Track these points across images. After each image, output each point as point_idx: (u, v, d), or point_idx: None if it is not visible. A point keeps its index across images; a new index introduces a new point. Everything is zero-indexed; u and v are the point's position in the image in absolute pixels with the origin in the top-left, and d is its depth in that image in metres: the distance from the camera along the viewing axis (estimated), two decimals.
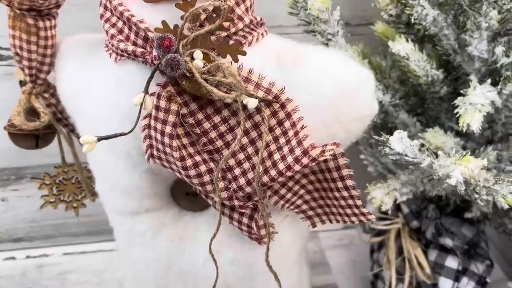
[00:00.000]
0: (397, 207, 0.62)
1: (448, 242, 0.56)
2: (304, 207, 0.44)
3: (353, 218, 0.41)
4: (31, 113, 0.51)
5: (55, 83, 0.50)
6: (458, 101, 0.43)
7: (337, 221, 0.43)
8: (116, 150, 0.43)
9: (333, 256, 0.81)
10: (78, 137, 0.56)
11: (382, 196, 0.44)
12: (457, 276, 0.55)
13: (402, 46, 0.48)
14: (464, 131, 0.39)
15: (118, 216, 0.49)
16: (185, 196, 0.48)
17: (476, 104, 0.40)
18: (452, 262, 0.56)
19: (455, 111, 0.42)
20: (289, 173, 0.37)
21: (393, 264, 0.60)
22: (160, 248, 0.48)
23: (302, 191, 0.42)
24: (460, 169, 0.34)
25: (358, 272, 0.78)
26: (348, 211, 0.41)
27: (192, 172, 0.38)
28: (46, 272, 0.77)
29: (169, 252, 0.48)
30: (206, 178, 0.39)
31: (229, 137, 0.38)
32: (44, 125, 0.50)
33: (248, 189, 0.39)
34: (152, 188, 0.46)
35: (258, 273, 0.49)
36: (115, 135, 0.36)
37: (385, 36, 0.57)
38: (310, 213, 0.44)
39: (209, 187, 0.39)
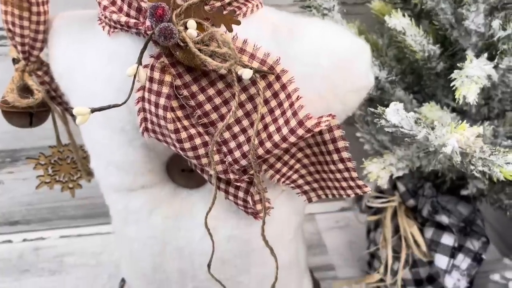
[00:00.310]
0: (393, 186, 0.62)
1: (444, 219, 0.56)
2: (300, 181, 0.44)
3: (349, 191, 0.41)
4: (25, 90, 0.50)
5: (48, 60, 0.50)
6: (455, 74, 0.43)
7: (333, 195, 0.43)
8: (111, 126, 0.43)
9: (330, 237, 0.81)
10: (73, 116, 0.56)
11: (378, 170, 0.44)
12: (452, 253, 0.56)
13: (398, 21, 0.47)
14: (460, 106, 0.39)
15: (113, 193, 0.49)
16: (180, 173, 0.48)
17: (472, 76, 0.40)
18: (448, 239, 0.56)
19: (452, 84, 0.42)
20: (284, 145, 0.37)
21: (390, 242, 0.60)
22: (155, 225, 0.48)
23: (297, 166, 0.42)
24: (455, 136, 0.34)
25: (355, 253, 0.78)
26: (344, 184, 0.41)
27: (187, 145, 0.38)
28: (43, 255, 0.77)
29: (165, 229, 0.48)
30: (201, 151, 0.38)
31: (224, 109, 0.38)
32: (38, 102, 0.50)
33: (243, 162, 0.39)
34: (147, 164, 0.46)
35: (254, 249, 0.49)
36: (109, 107, 0.36)
37: (382, 13, 0.56)
38: (306, 188, 0.44)
39: (204, 160, 0.39)
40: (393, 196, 0.61)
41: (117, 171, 0.46)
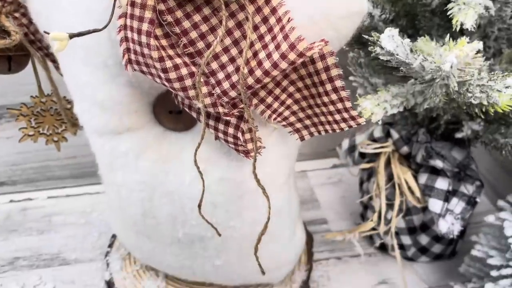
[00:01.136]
0: (386, 134, 0.61)
1: (438, 163, 0.55)
2: (292, 119, 0.42)
3: (343, 125, 0.40)
4: (2, 32, 0.48)
5: (25, 2, 0.47)
6: (451, 4, 0.41)
7: (326, 131, 0.42)
8: (93, 61, 0.41)
9: (322, 193, 0.81)
10: (54, 62, 0.54)
11: (372, 107, 0.43)
12: (447, 197, 0.55)
13: None
14: (457, 31, 0.37)
15: (98, 137, 0.47)
16: (168, 115, 0.46)
17: (470, 2, 0.38)
18: (442, 184, 0.56)
19: (448, 12, 0.40)
20: (275, 72, 0.35)
21: (383, 189, 0.59)
22: (143, 169, 0.47)
23: (289, 101, 0.41)
24: (455, 52, 0.33)
25: (347, 207, 0.78)
26: (337, 117, 0.39)
27: (172, 75, 0.36)
28: (30, 215, 0.75)
29: (153, 173, 0.47)
30: (188, 82, 0.37)
31: (210, 38, 0.36)
32: (16, 44, 0.47)
33: (232, 93, 0.37)
34: (133, 104, 0.44)
35: (246, 192, 0.47)
36: (88, 32, 0.34)
37: None
38: (298, 125, 0.43)
39: (191, 93, 0.37)
40: (386, 143, 0.60)
41: (101, 112, 0.44)
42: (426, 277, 0.65)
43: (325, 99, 0.38)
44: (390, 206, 0.61)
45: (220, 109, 0.38)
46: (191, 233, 0.49)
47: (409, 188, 0.59)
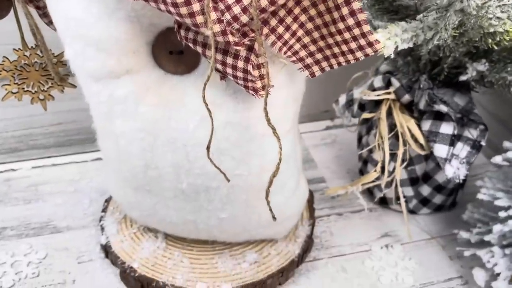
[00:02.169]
0: (387, 83, 0.60)
1: (443, 108, 0.55)
2: (302, 53, 0.40)
3: (358, 54, 0.38)
4: None
5: None
6: None
7: (339, 63, 0.40)
8: None
9: (318, 153, 0.79)
10: (38, 8, 0.50)
11: (384, 40, 0.41)
12: (452, 141, 0.54)
13: None
14: None
15: (94, 83, 0.44)
16: (168, 56, 0.43)
17: None
18: (447, 128, 0.55)
19: None
20: None
21: (386, 138, 0.58)
22: (144, 116, 0.44)
23: (300, 32, 0.39)
24: None
25: (343, 166, 0.77)
26: (353, 45, 0.37)
27: None
28: (15, 186, 0.71)
29: (154, 119, 0.44)
30: (196, 6, 0.34)
31: None
32: None
33: (244, 18, 0.34)
34: (131, 42, 0.41)
35: (254, 136, 0.45)
36: None
37: None
38: (308, 61, 0.41)
39: (199, 19, 0.34)
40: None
41: (97, 53, 0.41)
42: (427, 228, 0.65)
43: (340, 25, 0.37)
44: (392, 157, 0.60)
45: (230, 38, 0.35)
46: (195, 183, 0.47)
47: (412, 136, 0.58)
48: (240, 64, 0.38)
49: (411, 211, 0.66)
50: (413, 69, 0.58)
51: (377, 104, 0.63)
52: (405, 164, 0.59)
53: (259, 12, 0.34)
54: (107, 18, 0.39)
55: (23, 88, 0.55)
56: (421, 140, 0.57)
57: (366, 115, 0.60)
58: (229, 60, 0.38)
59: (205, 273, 0.55)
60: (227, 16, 0.35)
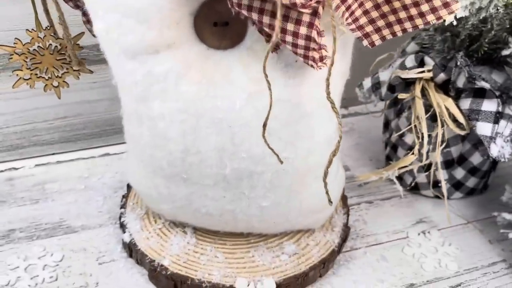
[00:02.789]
0: (420, 63, 0.58)
1: (485, 84, 0.52)
2: (362, 20, 0.37)
3: (430, 17, 0.35)
4: None
5: None
6: None
7: (403, 30, 0.37)
8: None
9: None
10: None
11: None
12: (496, 118, 0.52)
13: None
14: None
15: (129, 61, 0.40)
16: (212, 28, 0.39)
17: None
18: (489, 105, 0.53)
19: None
20: None
21: (424, 119, 0.56)
22: (186, 95, 0.40)
23: None
24: None
25: (364, 154, 0.74)
26: (425, 7, 0.35)
27: None
28: (20, 185, 0.66)
29: (197, 98, 0.40)
30: None
31: None
32: None
33: None
34: (175, 12, 0.37)
35: (303, 116, 0.42)
36: None
37: None
38: (368, 29, 0.38)
39: None
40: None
41: (138, 23, 0.37)
42: (461, 213, 0.63)
43: None
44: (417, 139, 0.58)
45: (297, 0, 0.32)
46: (240, 167, 0.43)
47: (449, 116, 0.55)
48: (303, 30, 0.34)
49: (439, 196, 0.64)
50: (448, 46, 0.56)
51: (407, 85, 0.60)
52: (443, 146, 0.57)
53: None
54: None
55: (36, 74, 0.51)
56: (461, 119, 0.54)
57: (402, 95, 0.57)
58: (290, 27, 0.35)
59: (242, 268, 0.51)
60: None
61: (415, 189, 0.65)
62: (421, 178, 0.63)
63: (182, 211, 0.50)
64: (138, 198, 0.60)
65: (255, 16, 0.35)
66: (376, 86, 0.63)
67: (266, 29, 0.35)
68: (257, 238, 0.54)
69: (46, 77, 0.51)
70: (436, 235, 0.59)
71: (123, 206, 0.59)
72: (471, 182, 0.62)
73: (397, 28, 0.37)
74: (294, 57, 0.39)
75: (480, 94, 0.54)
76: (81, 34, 0.50)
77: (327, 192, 0.40)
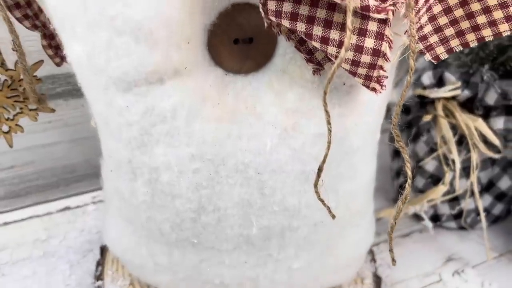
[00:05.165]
0: (438, 80, 0.51)
1: None
2: (426, 29, 0.29)
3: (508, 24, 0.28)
4: None
5: None
6: None
7: (480, 39, 0.29)
8: None
9: None
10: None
11: None
12: None
13: None
14: None
15: (122, 95, 0.29)
16: (232, 47, 0.30)
17: None
18: None
19: None
20: None
21: (453, 141, 0.48)
22: (201, 137, 0.30)
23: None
24: None
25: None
26: (502, 12, 0.27)
27: None
28: None
29: (216, 140, 0.30)
30: None
31: None
32: None
33: None
34: (186, 26, 0.27)
35: (347, 152, 0.33)
36: None
37: None
38: (433, 39, 0.30)
39: None
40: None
41: (136, 44, 0.26)
42: (491, 245, 0.56)
43: None
44: (447, 165, 0.51)
45: (371, 1, 0.23)
46: (270, 225, 0.33)
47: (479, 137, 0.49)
48: (369, 43, 0.26)
49: (464, 227, 0.57)
50: (471, 59, 0.50)
51: (421, 105, 0.54)
52: (477, 171, 0.50)
53: None
54: None
55: None
56: (496, 141, 0.48)
57: (427, 117, 0.50)
58: (353, 40, 0.26)
59: None
60: None
61: (435, 220, 0.57)
62: (443, 208, 0.55)
63: (187, 283, 0.39)
64: (118, 264, 0.47)
65: (302, 27, 0.26)
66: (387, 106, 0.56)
67: (317, 44, 0.26)
68: None
69: None
70: (472, 274, 0.51)
71: (99, 276, 0.47)
72: (497, 209, 0.56)
73: (470, 37, 0.29)
74: (342, 79, 0.30)
75: None
76: (39, 62, 0.38)
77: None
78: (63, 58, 0.39)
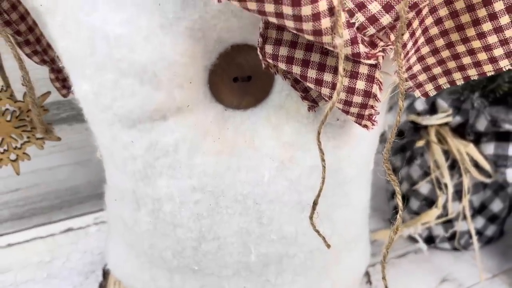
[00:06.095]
0: (431, 106, 0.53)
1: (510, 127, 0.48)
2: (416, 68, 0.31)
3: (503, 62, 0.29)
4: None
5: None
6: None
7: (466, 78, 0.31)
8: (131, 1, 0.26)
9: None
10: (17, 33, 0.36)
11: None
12: None
13: None
14: None
15: (126, 131, 0.31)
16: (231, 85, 0.31)
17: None
18: None
19: None
20: None
21: (445, 166, 0.50)
22: (202, 169, 0.31)
23: (421, 40, 0.29)
24: None
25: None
26: (498, 51, 0.29)
27: None
28: None
29: (217, 173, 0.32)
30: (323, 5, 0.23)
31: None
32: None
33: (385, 20, 0.24)
34: (189, 68, 0.29)
35: (342, 183, 0.35)
36: None
37: None
38: (422, 78, 0.32)
39: (325, 22, 0.24)
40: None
41: (141, 85, 0.28)
42: (484, 266, 0.57)
43: (485, 27, 0.28)
44: (440, 188, 0.52)
45: (361, 49, 0.25)
46: (268, 252, 0.35)
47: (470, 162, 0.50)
48: (361, 85, 0.27)
49: (457, 249, 0.58)
50: (462, 86, 0.51)
51: (415, 130, 0.55)
52: (469, 195, 0.51)
53: (408, 9, 0.24)
54: (161, 33, 0.27)
55: None
56: (486, 166, 0.49)
57: (420, 142, 0.51)
58: (345, 82, 0.28)
59: None
60: (360, 18, 0.25)
61: (430, 241, 0.59)
62: (437, 230, 0.57)
63: None
64: (120, 287, 0.49)
65: (297, 69, 0.28)
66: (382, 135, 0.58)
67: (311, 85, 0.28)
68: None
69: (1, 150, 0.41)
70: None
71: None
72: (490, 230, 0.57)
73: (457, 76, 0.31)
74: (335, 115, 0.32)
75: (504, 137, 0.49)
76: (47, 94, 0.40)
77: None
78: (69, 90, 0.41)
